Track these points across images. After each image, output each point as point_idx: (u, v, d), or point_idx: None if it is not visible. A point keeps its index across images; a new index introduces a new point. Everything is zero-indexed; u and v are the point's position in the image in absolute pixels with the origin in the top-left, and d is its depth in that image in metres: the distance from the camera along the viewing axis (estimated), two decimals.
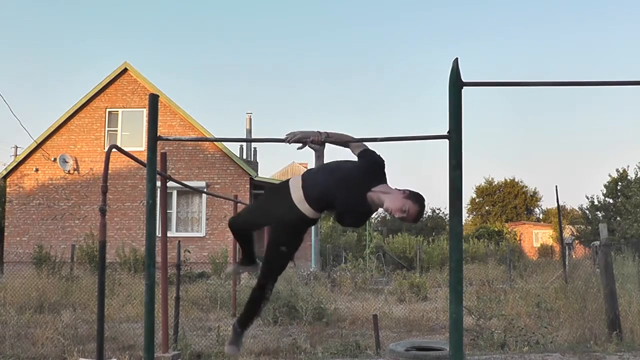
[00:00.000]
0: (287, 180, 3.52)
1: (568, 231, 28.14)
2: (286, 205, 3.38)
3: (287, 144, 3.36)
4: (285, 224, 3.45)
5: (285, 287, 9.94)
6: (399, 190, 3.26)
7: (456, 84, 2.95)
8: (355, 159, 3.43)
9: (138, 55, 74.76)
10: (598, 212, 27.02)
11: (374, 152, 3.41)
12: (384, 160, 3.37)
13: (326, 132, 3.43)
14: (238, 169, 19.36)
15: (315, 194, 3.31)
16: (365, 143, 3.49)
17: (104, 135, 19.83)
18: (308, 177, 3.40)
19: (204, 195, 19.01)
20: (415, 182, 67.70)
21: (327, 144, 3.51)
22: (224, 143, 19.06)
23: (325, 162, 3.55)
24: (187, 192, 18.85)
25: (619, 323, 7.32)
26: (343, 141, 3.43)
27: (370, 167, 3.33)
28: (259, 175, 20.14)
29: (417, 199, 3.24)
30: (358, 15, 63.05)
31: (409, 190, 3.27)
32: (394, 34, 62.64)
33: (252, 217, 3.78)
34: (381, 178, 3.34)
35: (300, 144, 3.42)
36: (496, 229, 34.44)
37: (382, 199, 3.24)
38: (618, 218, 25.69)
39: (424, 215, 3.11)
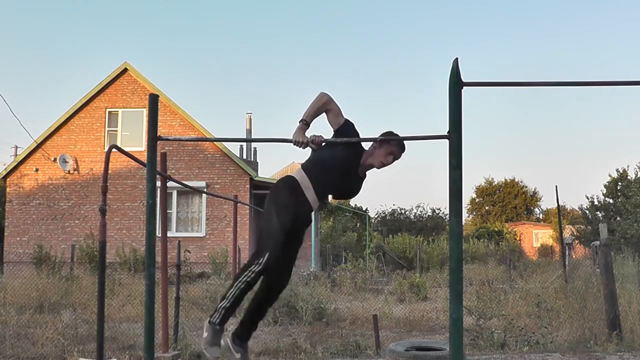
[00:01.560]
0: (293, 180, 3.56)
1: (568, 231, 28.11)
2: (305, 207, 3.54)
3: (301, 147, 3.47)
4: (304, 224, 3.59)
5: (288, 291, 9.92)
6: (372, 146, 3.67)
7: (456, 84, 2.95)
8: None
9: (138, 55, 74.77)
10: (598, 212, 26.99)
11: (348, 123, 3.62)
12: (356, 129, 3.63)
13: (304, 120, 3.48)
14: (238, 169, 19.36)
15: (328, 192, 3.67)
16: (364, 144, 3.75)
17: (104, 135, 19.84)
18: (315, 177, 3.54)
19: (204, 195, 19.01)
20: (416, 182, 67.70)
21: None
22: (224, 143, 19.05)
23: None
24: (187, 192, 18.85)
25: (619, 323, 7.31)
26: (322, 112, 3.61)
27: (354, 145, 3.63)
28: (259, 175, 20.14)
29: (388, 138, 3.58)
30: (358, 15, 63.08)
31: (380, 139, 3.55)
32: (394, 34, 62.66)
33: (279, 236, 3.36)
34: (360, 147, 3.70)
35: (304, 146, 3.50)
36: (496, 229, 34.45)
37: (369, 162, 3.67)
38: (618, 218, 25.66)
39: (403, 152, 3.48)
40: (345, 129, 3.58)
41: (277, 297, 3.66)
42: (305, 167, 3.61)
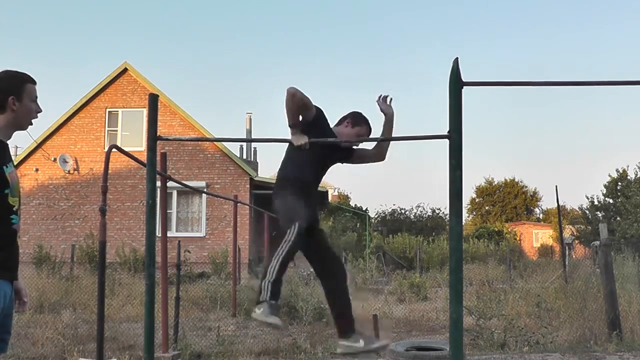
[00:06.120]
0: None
1: (568, 231, 28.10)
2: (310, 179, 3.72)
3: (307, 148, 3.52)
4: (315, 194, 3.83)
5: (285, 287, 9.92)
6: (343, 124, 3.79)
7: (456, 84, 2.95)
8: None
9: (138, 55, 74.75)
10: (598, 212, 27.00)
11: (319, 112, 3.65)
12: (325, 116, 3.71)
13: (293, 125, 3.51)
14: (238, 169, 19.36)
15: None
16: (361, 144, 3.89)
17: (104, 135, 19.83)
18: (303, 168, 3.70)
19: (204, 195, 19.00)
20: (416, 182, 67.72)
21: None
22: (224, 143, 19.05)
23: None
24: (187, 192, 18.84)
25: (619, 323, 7.31)
26: (301, 111, 3.53)
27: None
28: (259, 175, 20.13)
29: (357, 120, 3.76)
30: (357, 15, 63.09)
31: (349, 119, 3.77)
32: (394, 34, 62.67)
33: (302, 205, 3.52)
34: (330, 131, 3.72)
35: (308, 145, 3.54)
36: (496, 229, 34.43)
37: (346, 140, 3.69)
38: (618, 218, 25.66)
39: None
40: (317, 122, 3.63)
41: (335, 284, 3.70)
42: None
